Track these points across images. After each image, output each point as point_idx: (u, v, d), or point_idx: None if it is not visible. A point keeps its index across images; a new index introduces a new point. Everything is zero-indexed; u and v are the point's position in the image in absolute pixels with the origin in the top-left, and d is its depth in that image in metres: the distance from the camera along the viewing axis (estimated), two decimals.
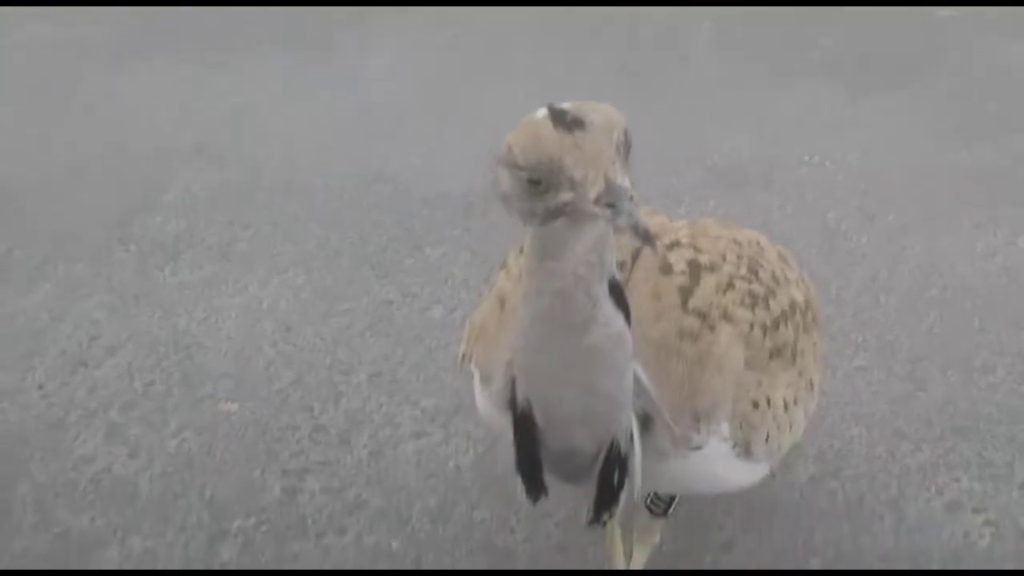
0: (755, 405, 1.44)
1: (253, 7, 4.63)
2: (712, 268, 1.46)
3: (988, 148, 3.42)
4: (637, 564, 1.73)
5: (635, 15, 4.52)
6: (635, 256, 1.47)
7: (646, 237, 1.08)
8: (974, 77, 3.93)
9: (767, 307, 1.48)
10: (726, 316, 1.42)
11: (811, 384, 1.59)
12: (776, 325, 1.48)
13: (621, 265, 1.41)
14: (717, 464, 1.44)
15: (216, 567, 1.94)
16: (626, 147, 1.13)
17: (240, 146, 3.53)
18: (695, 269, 1.45)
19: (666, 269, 1.45)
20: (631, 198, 1.09)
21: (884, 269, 2.80)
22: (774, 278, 1.53)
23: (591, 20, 4.49)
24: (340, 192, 3.24)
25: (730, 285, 1.46)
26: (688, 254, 1.47)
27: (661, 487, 1.53)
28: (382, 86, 3.97)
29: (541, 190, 1.13)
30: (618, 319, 1.26)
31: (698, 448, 1.40)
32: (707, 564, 1.92)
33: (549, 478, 1.40)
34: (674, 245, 1.49)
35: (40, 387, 2.39)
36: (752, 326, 1.45)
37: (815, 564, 1.94)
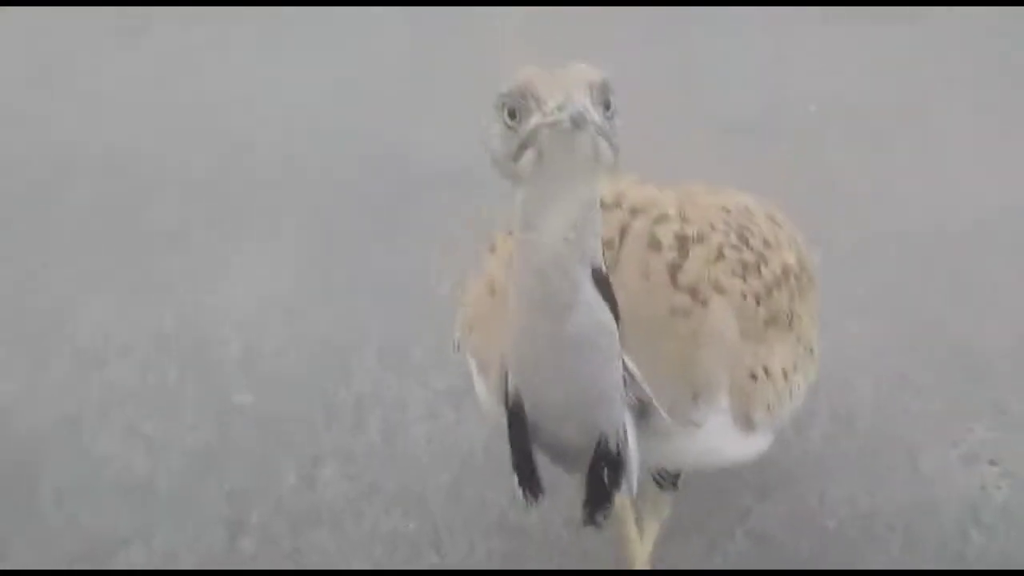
0: (753, 376, 1.42)
1: None
2: (701, 239, 1.45)
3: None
4: (649, 537, 1.73)
5: None
6: (623, 234, 1.45)
7: (605, 160, 1.14)
8: (974, 14, 3.82)
9: (759, 274, 1.46)
10: (717, 288, 1.41)
11: (810, 349, 1.58)
12: (769, 292, 1.47)
13: (609, 243, 1.40)
14: (719, 439, 1.43)
15: (237, 560, 1.96)
16: (603, 92, 1.16)
17: (233, 125, 3.49)
18: (683, 243, 1.43)
19: (655, 245, 1.43)
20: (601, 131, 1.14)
21: (889, 218, 2.76)
22: (765, 243, 1.51)
23: None
24: (337, 165, 3.21)
25: (720, 255, 1.44)
26: (676, 227, 1.45)
27: (666, 464, 1.52)
28: (365, 55, 3.91)
29: (516, 123, 1.17)
30: (603, 309, 1.25)
31: (699, 425, 1.39)
32: (724, 530, 1.92)
33: (550, 468, 1.39)
34: (662, 219, 1.47)
35: (57, 388, 2.41)
36: (745, 296, 1.43)
37: (831, 525, 1.93)
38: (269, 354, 2.47)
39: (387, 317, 2.56)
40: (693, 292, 1.39)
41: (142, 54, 4.06)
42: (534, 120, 1.14)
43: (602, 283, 1.24)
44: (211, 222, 2.98)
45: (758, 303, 1.44)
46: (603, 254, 1.25)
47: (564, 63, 1.21)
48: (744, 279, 1.43)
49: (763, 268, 1.47)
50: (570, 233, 1.21)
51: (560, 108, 1.11)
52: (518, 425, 1.33)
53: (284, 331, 2.54)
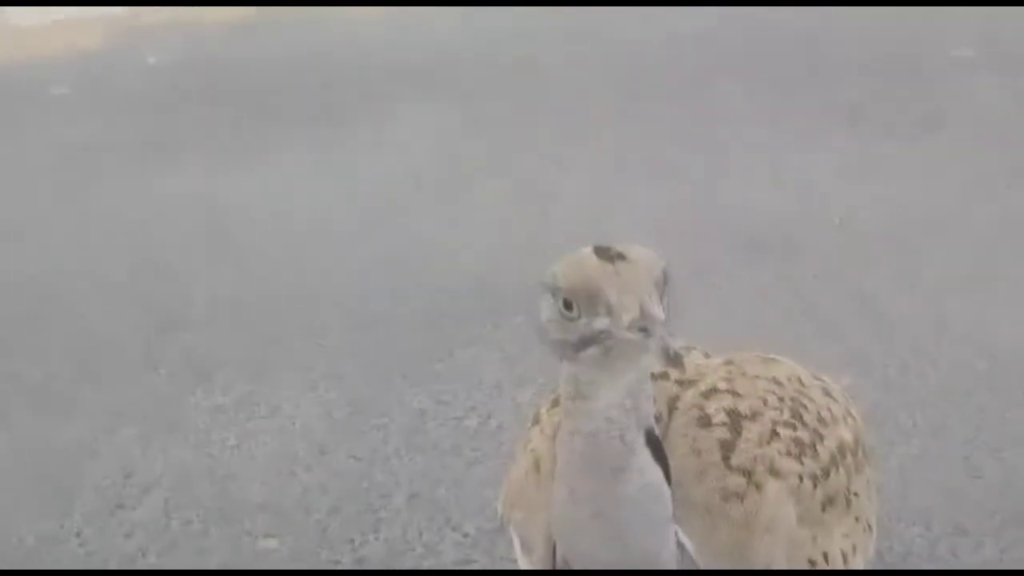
0: (812, 563, 1.36)
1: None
2: (753, 416, 1.40)
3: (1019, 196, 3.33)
4: None
5: (651, 94, 4.48)
6: (671, 407, 1.41)
7: (676, 362, 1.10)
8: (995, 121, 3.85)
9: (815, 454, 1.41)
10: (772, 470, 1.36)
11: (868, 526, 1.51)
12: (826, 473, 1.41)
13: (657, 417, 1.35)
14: None
15: None
16: (664, 283, 1.17)
17: (261, 249, 3.51)
18: (735, 419, 1.39)
19: (705, 421, 1.38)
20: (668, 330, 1.12)
21: (927, 340, 2.72)
22: (820, 419, 1.46)
23: (604, 102, 4.46)
24: (367, 294, 3.22)
25: (774, 434, 1.39)
26: (727, 401, 1.41)
27: None
28: (401, 178, 3.96)
29: (576, 316, 1.17)
30: (655, 471, 1.23)
31: None
32: None
33: None
34: (711, 392, 1.43)
35: (78, 534, 2.35)
36: (801, 478, 1.38)
37: None
38: (296, 497, 2.41)
39: (417, 457, 2.50)
40: (747, 474, 1.34)
41: (167, 170, 4.11)
42: (604, 325, 1.15)
43: (654, 445, 1.23)
44: (236, 356, 2.95)
45: (815, 486, 1.38)
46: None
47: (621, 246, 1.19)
48: (800, 460, 1.38)
49: (819, 447, 1.41)
50: (626, 400, 1.22)
51: (635, 325, 1.11)
52: None
53: (311, 472, 2.49)
